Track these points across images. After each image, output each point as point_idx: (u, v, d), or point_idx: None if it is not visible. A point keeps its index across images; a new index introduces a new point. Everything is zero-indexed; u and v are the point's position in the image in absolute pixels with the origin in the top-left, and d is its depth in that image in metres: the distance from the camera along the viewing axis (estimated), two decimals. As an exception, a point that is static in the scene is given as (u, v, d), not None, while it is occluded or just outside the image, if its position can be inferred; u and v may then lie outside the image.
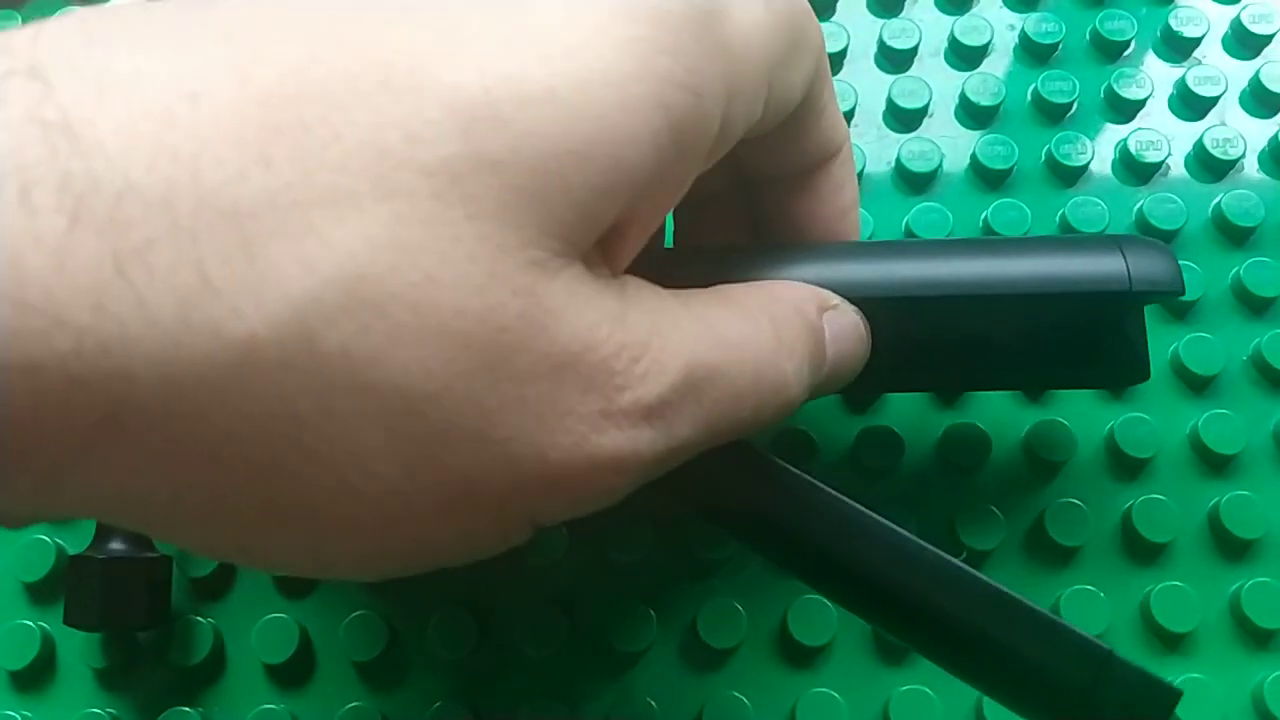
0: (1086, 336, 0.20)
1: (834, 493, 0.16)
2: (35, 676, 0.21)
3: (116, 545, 0.20)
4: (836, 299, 0.17)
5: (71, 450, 0.11)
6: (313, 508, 0.12)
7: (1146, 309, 0.20)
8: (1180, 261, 0.23)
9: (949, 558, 0.16)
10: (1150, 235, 0.24)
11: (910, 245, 0.18)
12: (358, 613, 0.21)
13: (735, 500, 0.16)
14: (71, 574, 0.20)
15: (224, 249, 0.11)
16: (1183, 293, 0.18)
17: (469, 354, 0.12)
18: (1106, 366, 0.20)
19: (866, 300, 0.17)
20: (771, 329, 0.15)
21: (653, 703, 0.21)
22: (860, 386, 0.18)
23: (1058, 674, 0.15)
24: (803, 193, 0.19)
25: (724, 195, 0.20)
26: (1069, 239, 0.19)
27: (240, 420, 0.11)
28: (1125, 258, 0.18)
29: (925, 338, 0.19)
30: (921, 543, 0.16)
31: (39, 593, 0.22)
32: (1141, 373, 0.20)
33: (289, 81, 0.12)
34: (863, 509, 0.16)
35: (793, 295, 0.16)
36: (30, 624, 0.21)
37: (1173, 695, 0.15)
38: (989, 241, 0.19)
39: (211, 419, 0.11)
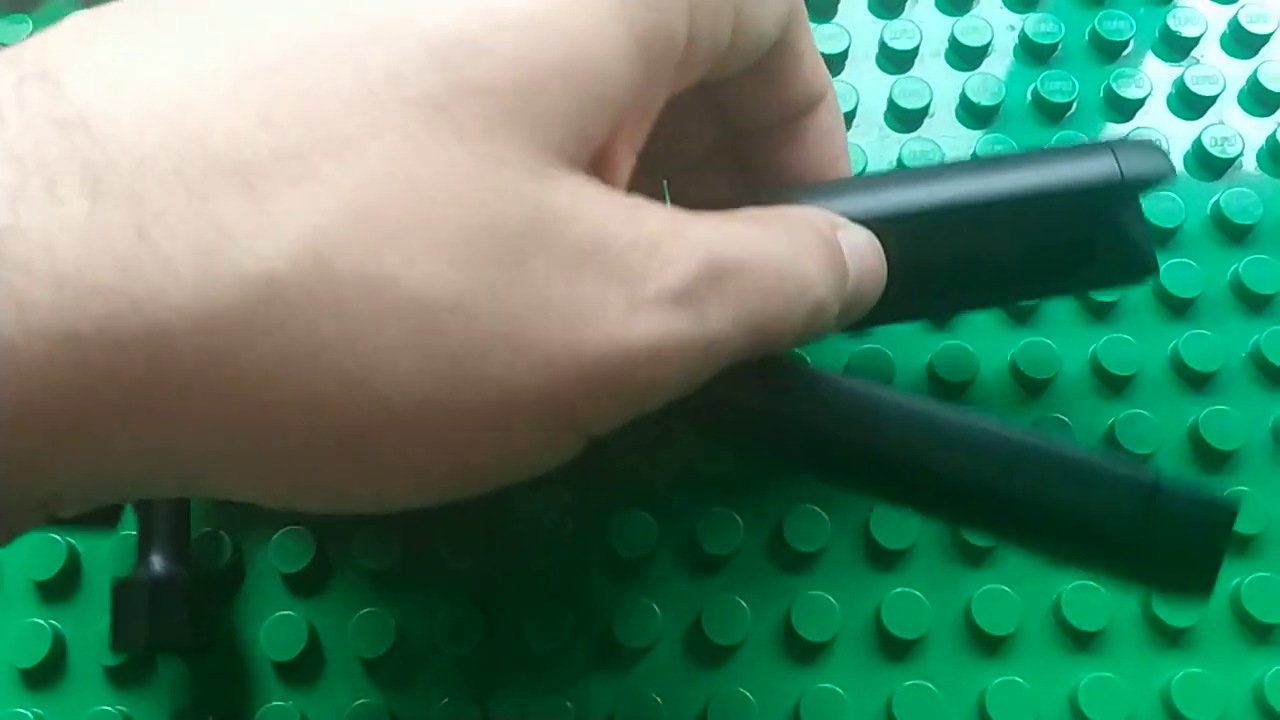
0: (1088, 238, 0.20)
1: (859, 382, 0.16)
2: (46, 675, 0.21)
3: (158, 566, 0.20)
4: (843, 220, 0.17)
5: (119, 412, 0.12)
6: (359, 435, 0.13)
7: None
8: (1180, 259, 0.24)
9: (983, 422, 0.16)
10: (1150, 233, 0.25)
11: (907, 171, 0.18)
12: (366, 610, 0.21)
13: (788, 407, 0.16)
14: (117, 597, 0.20)
15: (236, 202, 0.12)
16: (1174, 177, 0.18)
17: (483, 264, 0.12)
18: (1112, 265, 0.20)
19: (873, 225, 0.17)
20: (786, 237, 0.16)
21: (658, 698, 0.21)
22: (874, 314, 0.18)
23: (1106, 519, 0.15)
24: (792, 143, 0.19)
25: (716, 156, 0.20)
26: (1060, 147, 0.19)
27: (274, 356, 0.12)
28: (1115, 154, 0.18)
29: (933, 259, 0.19)
30: (953, 411, 0.16)
31: (50, 591, 0.22)
32: (1146, 265, 0.20)
33: (279, 49, 0.12)
34: (887, 393, 0.16)
35: (803, 213, 0.17)
36: (41, 622, 0.22)
37: (1226, 514, 0.15)
38: (984, 159, 0.19)
39: (246, 358, 0.12)
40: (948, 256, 0.19)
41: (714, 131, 0.20)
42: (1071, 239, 0.20)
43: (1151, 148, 0.18)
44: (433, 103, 0.12)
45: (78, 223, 0.11)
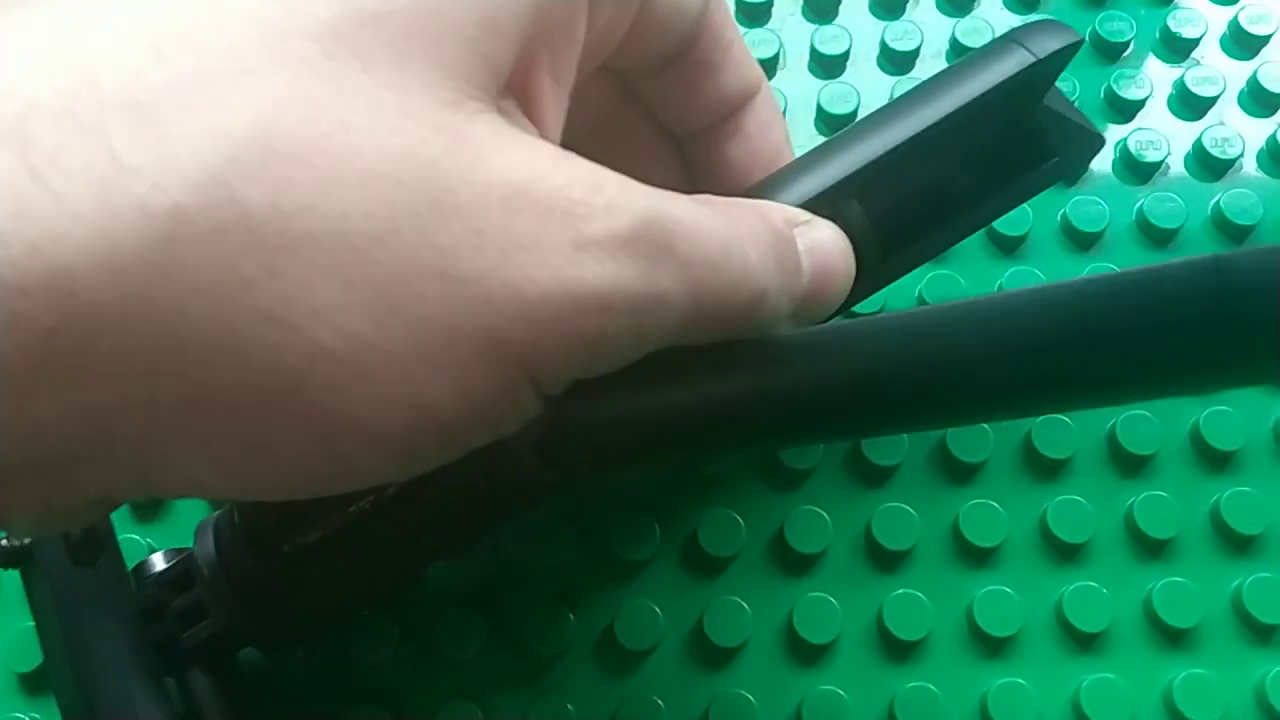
0: (1029, 131, 0.20)
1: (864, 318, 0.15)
2: (44, 679, 0.21)
3: None
4: (806, 215, 0.17)
5: (35, 369, 0.11)
6: (293, 379, 0.12)
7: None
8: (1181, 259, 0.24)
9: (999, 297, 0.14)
10: (1151, 234, 0.25)
11: (840, 135, 0.18)
12: (365, 613, 0.21)
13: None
14: None
15: (133, 136, 0.11)
16: (1081, 42, 0.18)
17: (405, 191, 0.12)
18: (1060, 149, 0.20)
19: (829, 193, 0.17)
20: (728, 222, 0.15)
21: (659, 701, 0.21)
22: (859, 288, 0.17)
23: (1185, 315, 0.13)
24: (733, 139, 0.19)
25: (662, 156, 0.20)
26: (971, 55, 0.19)
27: (189, 294, 0.11)
28: (1021, 43, 0.18)
29: (898, 209, 0.19)
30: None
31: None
32: (1090, 138, 0.20)
33: None
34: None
35: (755, 205, 0.16)
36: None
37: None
38: (906, 95, 0.19)
39: (159, 299, 0.11)
40: (910, 201, 0.19)
41: (658, 137, 0.20)
42: (1014, 138, 0.20)
43: (1052, 24, 0.18)
44: (331, 31, 0.12)
45: None
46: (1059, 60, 0.18)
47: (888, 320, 0.15)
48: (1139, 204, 0.25)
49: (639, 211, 0.13)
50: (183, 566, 0.19)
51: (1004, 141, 0.20)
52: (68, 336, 0.11)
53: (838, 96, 0.26)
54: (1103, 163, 0.26)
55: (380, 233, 0.12)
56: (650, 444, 0.17)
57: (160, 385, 0.11)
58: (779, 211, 0.16)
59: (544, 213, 0.12)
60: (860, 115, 0.26)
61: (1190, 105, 0.26)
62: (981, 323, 0.14)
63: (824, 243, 0.16)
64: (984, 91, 0.18)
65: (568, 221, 0.13)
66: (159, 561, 0.20)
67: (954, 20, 0.27)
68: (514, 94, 0.14)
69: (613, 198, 0.13)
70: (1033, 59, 0.18)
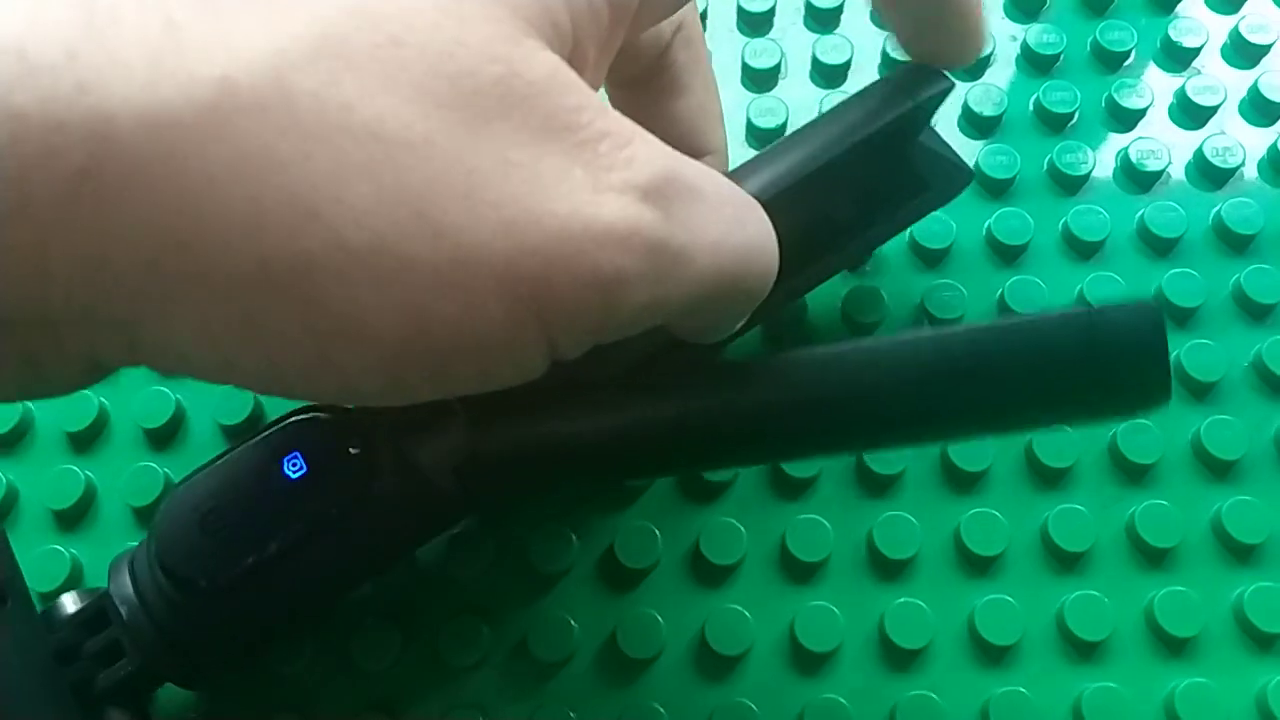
0: (904, 168, 0.21)
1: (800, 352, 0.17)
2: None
3: None
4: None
5: (59, 209, 0.11)
6: (306, 266, 0.12)
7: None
8: (1181, 269, 0.24)
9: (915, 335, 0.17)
10: (1152, 243, 0.25)
11: (738, 170, 0.19)
12: (369, 620, 0.21)
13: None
14: None
15: (193, 11, 0.12)
16: (952, 85, 0.20)
17: (444, 111, 0.12)
18: (934, 184, 0.21)
19: None
20: (745, 194, 0.16)
21: (661, 709, 0.21)
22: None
23: (1058, 355, 0.16)
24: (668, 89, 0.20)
25: None
26: (850, 101, 0.20)
27: (220, 164, 0.11)
28: (898, 85, 0.20)
29: (784, 241, 0.19)
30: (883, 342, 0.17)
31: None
32: (962, 173, 0.22)
33: None
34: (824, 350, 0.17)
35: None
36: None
37: (1156, 310, 0.15)
38: (794, 134, 0.20)
39: (193, 163, 0.11)
40: (795, 234, 0.19)
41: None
42: (892, 173, 0.21)
43: (928, 70, 0.20)
44: None
45: (23, 5, 0.11)
46: (933, 103, 0.20)
47: (806, 355, 0.17)
48: (1140, 213, 0.25)
49: (659, 168, 0.14)
50: (97, 606, 0.18)
51: (883, 176, 0.21)
52: (96, 181, 0.11)
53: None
54: (1104, 172, 0.26)
55: (414, 142, 0.12)
56: (567, 468, 0.18)
57: (174, 250, 0.12)
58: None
59: (572, 159, 0.13)
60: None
61: (1191, 114, 0.26)
62: (883, 358, 0.16)
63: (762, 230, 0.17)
64: (866, 134, 0.19)
65: (591, 169, 0.13)
66: (70, 603, 0.19)
67: (955, 30, 0.27)
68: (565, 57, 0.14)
69: (636, 152, 0.14)
70: (910, 104, 0.19)
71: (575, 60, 0.14)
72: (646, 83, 0.20)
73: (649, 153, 0.14)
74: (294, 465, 0.17)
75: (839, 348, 0.17)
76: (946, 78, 0.20)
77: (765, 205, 0.17)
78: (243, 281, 0.12)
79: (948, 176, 0.21)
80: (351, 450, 0.18)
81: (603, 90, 0.21)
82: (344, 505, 0.17)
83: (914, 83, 0.20)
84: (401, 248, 0.12)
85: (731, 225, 0.15)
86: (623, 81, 0.20)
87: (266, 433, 0.18)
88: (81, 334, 0.12)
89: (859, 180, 0.21)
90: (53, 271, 0.11)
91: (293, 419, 0.18)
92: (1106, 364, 0.15)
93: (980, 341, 0.16)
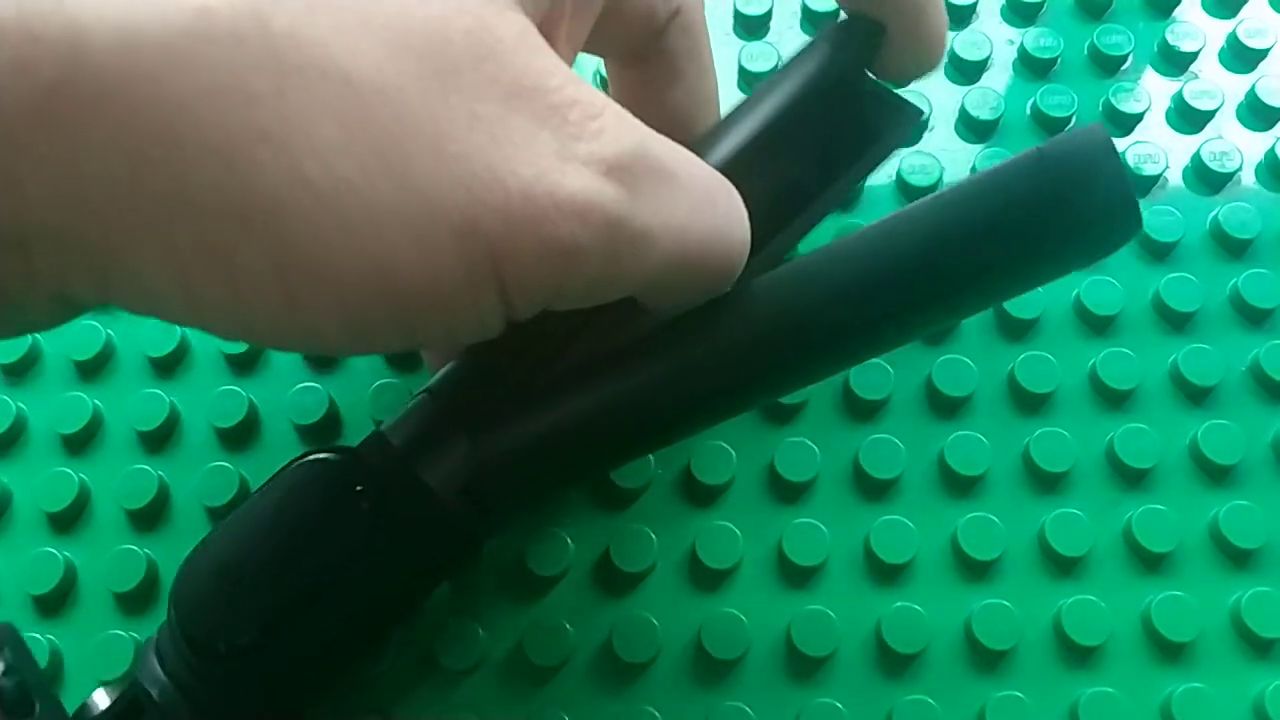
0: (852, 119, 0.21)
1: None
2: (43, 689, 0.21)
3: None
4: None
5: (31, 123, 0.11)
6: (276, 204, 0.12)
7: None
8: (1179, 274, 0.24)
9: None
10: (1149, 247, 0.25)
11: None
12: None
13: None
14: None
15: None
16: (882, 30, 0.20)
17: (415, 58, 0.12)
18: (886, 130, 0.21)
19: None
20: (718, 176, 0.16)
21: (657, 714, 0.21)
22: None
23: (1017, 200, 0.15)
24: (663, 70, 0.20)
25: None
26: (790, 62, 0.21)
27: (196, 93, 0.11)
28: (830, 41, 0.21)
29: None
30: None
31: (46, 606, 0.22)
32: (910, 114, 0.21)
33: None
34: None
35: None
36: (39, 637, 0.21)
37: (1102, 133, 0.15)
38: (739, 107, 0.20)
39: (166, 87, 0.11)
40: (760, 202, 0.19)
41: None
42: (841, 128, 0.21)
43: (856, 23, 0.20)
44: None
45: None
46: (867, 52, 0.20)
47: (775, 276, 0.17)
48: (1137, 217, 0.25)
49: (627, 144, 0.14)
50: (129, 697, 0.18)
51: (835, 130, 0.21)
52: (70, 96, 0.11)
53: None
54: (1101, 176, 0.26)
55: (384, 88, 0.12)
56: (575, 456, 0.18)
57: (145, 173, 0.12)
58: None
59: (539, 121, 0.13)
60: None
61: (1188, 118, 0.26)
62: (867, 245, 0.16)
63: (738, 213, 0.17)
64: (805, 92, 0.20)
65: (559, 136, 0.13)
66: (101, 699, 0.19)
67: (953, 33, 0.27)
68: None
69: (606, 126, 0.14)
70: (844, 56, 0.20)
71: (547, 28, 0.14)
72: (643, 67, 0.20)
73: (619, 127, 0.14)
74: (303, 513, 0.17)
75: (806, 260, 0.17)
76: (878, 26, 0.20)
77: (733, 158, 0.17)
78: (211, 210, 0.12)
79: (897, 119, 0.21)
80: (359, 488, 0.17)
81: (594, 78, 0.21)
82: (357, 545, 0.17)
83: (845, 37, 0.20)
84: (366, 193, 0.12)
85: (701, 208, 0.15)
86: (617, 61, 0.20)
87: (271, 482, 0.18)
88: (53, 261, 0.12)
89: (812, 139, 0.21)
90: (26, 187, 0.11)
91: (295, 463, 0.18)
92: (1064, 195, 0.15)
93: (936, 210, 0.15)
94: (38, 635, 0.21)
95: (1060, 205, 0.15)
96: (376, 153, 0.12)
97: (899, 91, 0.21)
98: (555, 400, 0.17)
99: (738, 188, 0.17)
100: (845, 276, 0.16)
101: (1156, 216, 0.25)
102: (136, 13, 0.11)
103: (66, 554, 0.22)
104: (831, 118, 0.21)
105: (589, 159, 0.13)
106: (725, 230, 0.15)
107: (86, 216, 0.12)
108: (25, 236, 0.12)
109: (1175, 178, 0.26)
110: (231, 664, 0.17)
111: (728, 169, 0.18)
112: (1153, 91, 0.26)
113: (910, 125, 0.22)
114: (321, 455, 0.18)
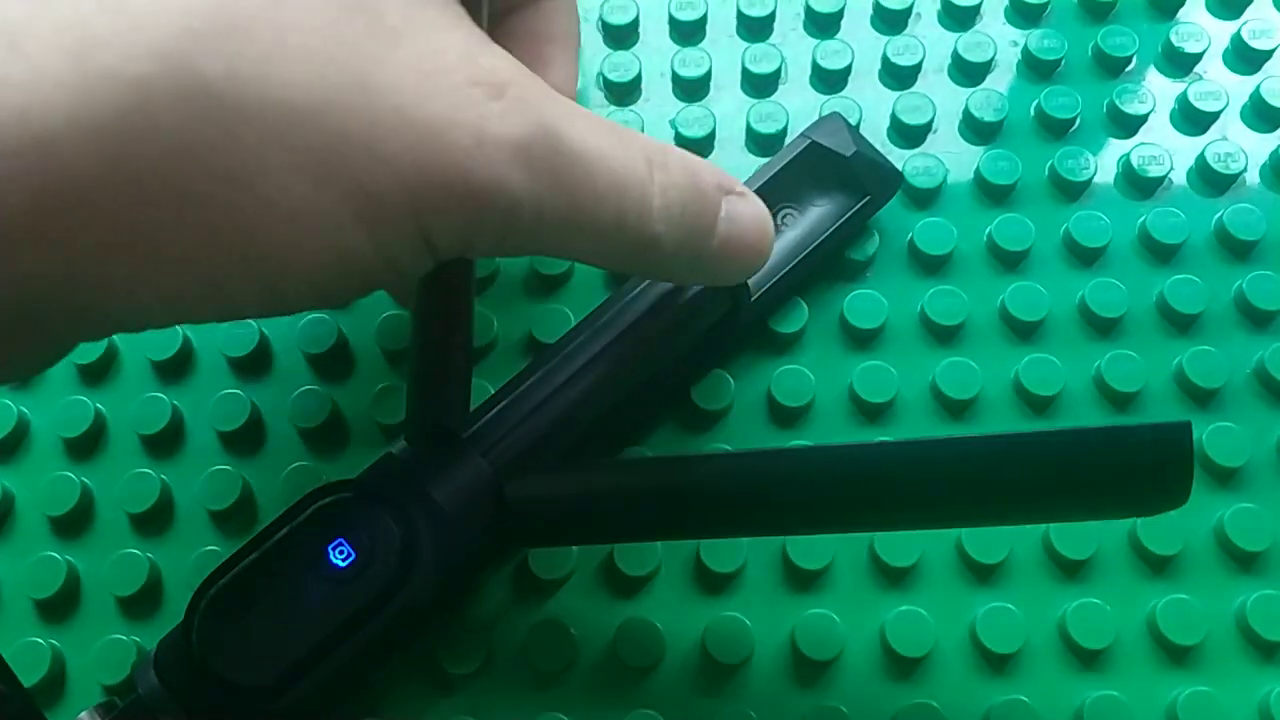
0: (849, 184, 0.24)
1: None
2: (45, 693, 0.21)
3: None
4: (741, 187, 0.18)
5: (28, 224, 0.12)
6: (249, 232, 0.13)
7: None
8: (1184, 275, 0.24)
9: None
10: (1154, 249, 0.25)
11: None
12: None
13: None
14: None
15: (99, 7, 0.12)
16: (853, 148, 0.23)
17: (336, 68, 0.13)
18: (877, 190, 0.24)
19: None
20: (645, 162, 0.16)
21: (661, 717, 0.21)
22: None
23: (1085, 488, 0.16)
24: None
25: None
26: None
27: (160, 156, 0.13)
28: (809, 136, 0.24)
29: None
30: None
31: (49, 610, 0.22)
32: (895, 177, 0.24)
33: None
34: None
35: (687, 158, 0.17)
36: (41, 641, 0.21)
37: (1185, 430, 0.15)
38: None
39: (134, 160, 0.13)
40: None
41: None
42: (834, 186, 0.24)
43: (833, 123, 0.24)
44: None
45: None
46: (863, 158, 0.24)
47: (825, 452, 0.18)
48: (1141, 219, 0.25)
49: (532, 125, 0.15)
50: (128, 716, 0.18)
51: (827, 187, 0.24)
52: (55, 195, 0.12)
53: (840, 112, 0.26)
54: (1106, 177, 0.26)
55: (317, 105, 0.13)
56: (595, 523, 0.20)
57: (132, 233, 0.13)
58: (714, 174, 0.18)
59: (452, 105, 0.14)
60: (861, 129, 0.26)
61: (1193, 120, 0.26)
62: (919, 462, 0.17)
63: (744, 217, 0.18)
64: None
65: (470, 118, 0.14)
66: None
67: (956, 35, 0.27)
68: None
69: (510, 105, 0.15)
70: (847, 154, 0.24)
71: None
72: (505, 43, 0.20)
73: (524, 106, 0.15)
74: (340, 552, 0.17)
75: (870, 448, 0.18)
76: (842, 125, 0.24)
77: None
78: (197, 251, 0.13)
79: (884, 178, 0.24)
80: (393, 525, 0.18)
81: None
82: (394, 582, 0.18)
83: (830, 138, 0.24)
84: (320, 202, 0.14)
85: (607, 190, 0.16)
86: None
87: (297, 519, 0.18)
88: (59, 317, 0.14)
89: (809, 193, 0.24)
90: (31, 282, 0.13)
91: (321, 502, 0.18)
92: (1138, 483, 0.16)
93: (1007, 455, 0.16)
94: (40, 640, 0.21)
95: (1129, 489, 0.16)
96: (323, 166, 0.13)
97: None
98: (588, 471, 0.19)
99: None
100: (900, 472, 0.17)
101: (1161, 218, 0.25)
102: (91, 102, 0.12)
103: (69, 558, 0.22)
104: (825, 176, 0.24)
105: (499, 141, 0.14)
106: (630, 219, 0.16)
107: (83, 283, 0.13)
108: (31, 314, 0.13)
109: (1180, 179, 0.26)
110: (247, 700, 0.17)
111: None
112: (1157, 93, 0.26)
113: (896, 185, 0.24)
114: (344, 491, 0.18)
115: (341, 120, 0.13)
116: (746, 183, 0.23)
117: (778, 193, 0.23)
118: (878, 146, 0.25)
